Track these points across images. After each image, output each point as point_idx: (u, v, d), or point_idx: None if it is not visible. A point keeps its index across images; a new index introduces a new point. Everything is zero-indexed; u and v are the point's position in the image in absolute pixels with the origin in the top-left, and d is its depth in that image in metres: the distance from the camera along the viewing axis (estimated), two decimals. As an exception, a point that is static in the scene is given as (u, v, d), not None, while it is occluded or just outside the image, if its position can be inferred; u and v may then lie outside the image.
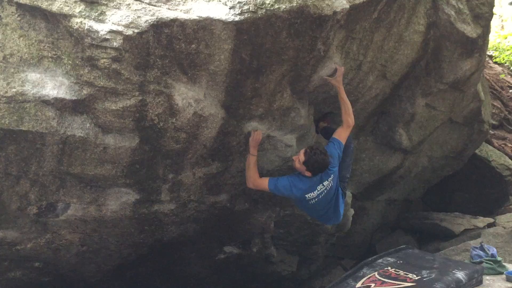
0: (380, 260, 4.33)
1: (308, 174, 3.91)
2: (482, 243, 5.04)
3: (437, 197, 8.16)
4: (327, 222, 4.52)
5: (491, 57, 11.05)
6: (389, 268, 4.15)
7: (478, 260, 4.62)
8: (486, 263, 4.52)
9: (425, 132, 6.00)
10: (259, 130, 3.95)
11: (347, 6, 3.46)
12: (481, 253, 4.75)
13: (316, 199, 4.02)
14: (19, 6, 3.13)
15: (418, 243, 7.11)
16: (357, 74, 4.43)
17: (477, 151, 7.62)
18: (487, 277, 4.31)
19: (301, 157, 3.89)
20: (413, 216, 7.70)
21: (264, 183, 4.00)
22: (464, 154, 7.11)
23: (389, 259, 4.36)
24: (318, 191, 3.98)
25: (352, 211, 6.17)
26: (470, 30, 5.00)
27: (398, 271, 4.06)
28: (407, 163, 6.34)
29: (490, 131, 7.97)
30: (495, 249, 4.80)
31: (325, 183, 3.99)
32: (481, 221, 7.04)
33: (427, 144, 6.37)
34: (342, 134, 4.20)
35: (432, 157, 6.71)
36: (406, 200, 7.65)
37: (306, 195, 3.97)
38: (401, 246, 4.78)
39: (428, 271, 4.01)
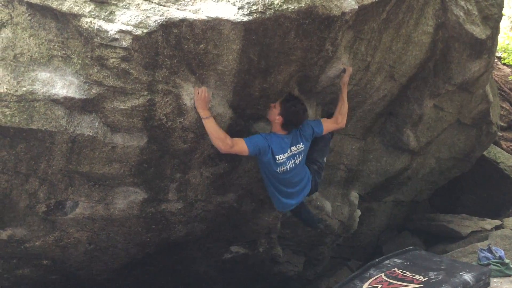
0: (387, 261, 4.32)
1: (281, 130, 3.79)
2: (490, 245, 5.03)
3: (445, 199, 8.14)
4: (282, 203, 4.16)
5: (500, 58, 10.99)
6: (396, 269, 4.14)
7: (485, 262, 4.61)
8: (494, 265, 4.51)
9: (432, 133, 5.99)
10: (203, 87, 3.49)
11: (356, 6, 3.46)
12: (488, 255, 4.74)
13: (284, 167, 3.83)
14: (30, 5, 3.16)
15: (425, 245, 7.10)
16: (365, 75, 4.42)
17: (485, 152, 7.60)
18: (495, 279, 4.30)
19: (278, 106, 3.74)
20: (420, 217, 7.69)
21: (240, 143, 3.65)
22: (472, 155, 7.09)
23: (396, 260, 4.34)
24: (288, 154, 3.82)
25: (359, 212, 6.17)
26: (479, 31, 4.98)
27: (405, 273, 4.05)
28: (414, 164, 6.32)
29: (499, 133, 7.93)
30: (503, 252, 4.79)
31: (293, 148, 3.86)
32: (488, 223, 7.02)
33: (434, 146, 6.35)
34: (328, 125, 4.15)
35: (440, 158, 6.69)
36: (413, 202, 7.63)
37: (277, 157, 3.76)
38: (408, 248, 4.77)
39: (435, 273, 4.00)
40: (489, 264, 4.55)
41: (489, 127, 6.76)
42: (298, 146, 3.90)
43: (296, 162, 3.92)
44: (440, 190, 7.77)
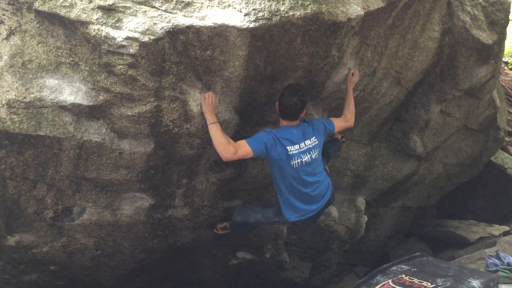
0: (394, 268, 4.29)
1: (285, 121, 3.67)
2: (498, 252, 5.00)
3: (452, 205, 8.09)
4: (299, 210, 3.84)
5: (506, 63, 10.96)
6: (403, 275, 4.11)
7: (493, 269, 4.57)
8: (502, 271, 4.47)
9: (439, 139, 5.97)
10: (210, 92, 3.49)
11: (362, 12, 3.46)
12: (496, 261, 4.71)
13: (299, 160, 3.63)
14: (38, 13, 3.19)
15: (433, 251, 7.05)
16: (371, 80, 4.42)
17: (492, 158, 7.55)
18: (503, 286, 4.26)
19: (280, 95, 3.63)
20: (428, 223, 7.64)
21: (244, 145, 3.47)
22: (480, 161, 7.05)
23: (403, 266, 4.31)
24: (301, 147, 3.64)
25: (365, 218, 6.15)
26: (485, 36, 4.97)
27: (413, 279, 4.02)
28: (421, 170, 6.30)
29: (506, 138, 7.88)
30: (511, 258, 4.75)
31: (308, 142, 3.68)
32: (496, 229, 6.96)
33: (441, 151, 6.33)
34: (338, 123, 4.04)
35: (447, 164, 6.66)
36: (420, 207, 7.60)
37: (288, 147, 3.58)
38: (416, 254, 4.73)
39: (443, 279, 3.97)
40: (497, 271, 4.52)
41: (497, 133, 6.73)
42: (313, 140, 3.73)
43: (313, 157, 3.72)
44: (448, 196, 7.72)
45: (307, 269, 6.31)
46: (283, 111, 3.64)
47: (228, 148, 3.41)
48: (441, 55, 4.91)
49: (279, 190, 3.81)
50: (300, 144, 3.66)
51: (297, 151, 3.63)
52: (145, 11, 3.11)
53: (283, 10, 3.15)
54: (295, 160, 3.62)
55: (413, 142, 5.72)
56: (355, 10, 3.42)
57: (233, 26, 3.12)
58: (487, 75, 5.39)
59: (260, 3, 3.14)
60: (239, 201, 4.49)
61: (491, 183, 7.83)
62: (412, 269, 4.25)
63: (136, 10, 3.11)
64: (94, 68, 3.22)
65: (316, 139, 3.77)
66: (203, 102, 3.46)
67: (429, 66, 4.92)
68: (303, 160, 3.66)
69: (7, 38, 3.20)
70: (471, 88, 5.44)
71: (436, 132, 5.85)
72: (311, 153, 3.72)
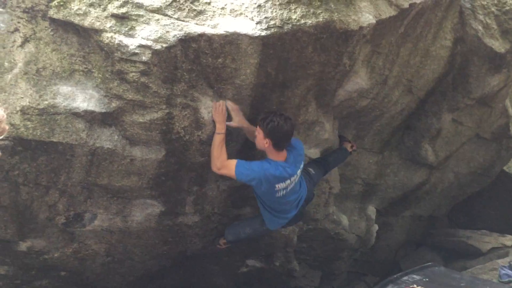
0: (405, 277, 4.26)
1: (278, 154, 3.47)
2: (511, 262, 4.93)
3: (464, 214, 8.01)
4: (279, 222, 3.96)
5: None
6: (415, 286, 4.08)
7: (506, 280, 4.52)
8: (515, 283, 4.41)
9: (451, 147, 5.92)
10: (221, 101, 3.45)
11: (374, 21, 3.47)
12: (509, 272, 4.66)
13: (284, 192, 3.58)
14: (52, 21, 3.24)
15: (444, 261, 6.98)
16: (382, 88, 4.41)
17: (505, 167, 7.47)
18: (516, 298, 4.20)
19: (259, 130, 3.40)
20: (439, 233, 7.58)
21: (230, 165, 3.43)
22: (492, 170, 6.98)
23: (414, 276, 4.28)
24: (289, 182, 3.56)
25: (376, 227, 6.11)
26: (498, 45, 4.94)
27: (424, 289, 3.99)
28: (433, 179, 6.25)
29: (519, 147, 7.81)
30: (524, 269, 4.69)
31: (293, 178, 3.58)
32: (509, 240, 6.88)
33: (453, 160, 6.28)
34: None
35: (459, 173, 6.60)
36: (432, 217, 7.53)
37: (276, 185, 3.50)
38: (427, 264, 4.70)
39: (455, 290, 3.93)
40: (510, 282, 4.46)
41: (509, 142, 6.66)
42: (298, 172, 3.65)
43: (297, 181, 3.70)
44: (459, 205, 7.65)
45: (316, 278, 6.27)
46: (278, 140, 3.42)
47: (214, 162, 3.48)
48: (453, 64, 4.89)
49: (260, 204, 3.86)
50: (291, 178, 3.58)
51: (283, 187, 3.58)
52: (158, 19, 3.14)
53: (295, 19, 3.16)
54: (280, 193, 3.61)
55: (425, 150, 5.68)
56: (367, 18, 3.42)
57: (245, 34, 3.14)
58: (500, 84, 5.36)
59: (271, 11, 3.16)
60: (249, 208, 4.49)
61: (503, 192, 7.74)
62: (424, 279, 4.22)
63: (149, 18, 3.14)
64: (107, 76, 3.25)
65: (301, 166, 3.70)
66: (214, 111, 3.47)
67: (441, 75, 4.89)
68: (288, 189, 3.64)
69: (22, 45, 3.25)
70: (483, 97, 5.41)
71: (448, 141, 5.81)
72: (297, 180, 3.69)
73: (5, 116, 2.54)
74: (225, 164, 3.47)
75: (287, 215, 3.91)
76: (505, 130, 6.40)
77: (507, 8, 4.92)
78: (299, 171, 3.65)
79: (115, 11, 3.12)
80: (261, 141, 3.43)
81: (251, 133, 3.58)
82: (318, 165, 4.32)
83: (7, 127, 2.60)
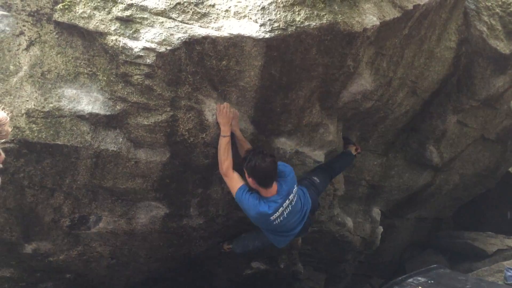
0: (410, 280, 4.25)
1: (266, 190, 3.42)
2: (517, 264, 4.91)
3: (469, 216, 7.98)
4: (285, 241, 3.90)
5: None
6: (420, 288, 4.06)
7: (512, 282, 4.49)
8: (521, 285, 4.39)
9: (456, 149, 5.91)
10: (226, 103, 3.45)
11: (378, 23, 3.46)
12: (515, 274, 4.62)
13: (282, 217, 3.52)
14: (57, 24, 3.25)
15: (449, 263, 6.96)
16: (386, 90, 4.40)
17: (510, 169, 7.44)
18: (523, 300, 4.18)
19: (245, 170, 3.43)
20: (444, 234, 7.55)
21: (234, 183, 3.47)
22: (497, 172, 6.96)
23: (419, 278, 4.27)
24: (284, 207, 3.50)
25: (381, 229, 6.09)
26: (503, 46, 4.93)
27: (429, 291, 3.97)
28: (437, 180, 6.23)
29: (524, 149, 7.77)
30: (530, 271, 4.67)
31: (287, 201, 3.51)
32: (515, 241, 6.86)
33: (458, 162, 6.26)
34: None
35: (464, 175, 6.58)
36: (437, 218, 7.51)
37: (272, 217, 3.47)
38: (432, 266, 4.69)
39: (460, 292, 3.92)
40: (516, 284, 4.44)
41: (514, 143, 6.64)
42: (293, 194, 3.58)
43: (294, 203, 3.60)
44: (465, 207, 7.62)
45: (321, 280, 6.26)
46: (260, 179, 3.39)
47: (221, 165, 3.50)
48: (458, 65, 4.88)
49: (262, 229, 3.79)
50: (283, 206, 3.50)
51: (279, 215, 3.51)
52: (162, 22, 3.15)
53: (299, 21, 3.16)
54: (277, 221, 3.53)
55: (430, 152, 5.67)
56: (371, 20, 3.41)
57: (249, 37, 3.14)
58: (505, 85, 5.34)
59: (275, 14, 3.16)
60: (254, 210, 4.48)
61: (509, 194, 7.71)
62: (429, 281, 4.20)
63: (153, 21, 3.15)
64: (112, 78, 3.26)
65: (295, 189, 3.62)
66: (218, 113, 3.47)
67: (446, 76, 4.88)
68: (285, 214, 3.55)
69: (27, 48, 3.27)
70: (488, 98, 5.39)
71: (452, 142, 5.80)
72: (295, 201, 3.62)
73: (8, 118, 2.56)
74: (229, 175, 3.51)
75: (293, 232, 3.81)
76: (510, 132, 6.38)
77: (512, 9, 4.91)
78: (294, 190, 3.57)
79: (119, 14, 3.13)
80: (247, 180, 3.46)
81: (242, 145, 3.59)
82: (323, 172, 4.29)
83: (10, 129, 2.62)
